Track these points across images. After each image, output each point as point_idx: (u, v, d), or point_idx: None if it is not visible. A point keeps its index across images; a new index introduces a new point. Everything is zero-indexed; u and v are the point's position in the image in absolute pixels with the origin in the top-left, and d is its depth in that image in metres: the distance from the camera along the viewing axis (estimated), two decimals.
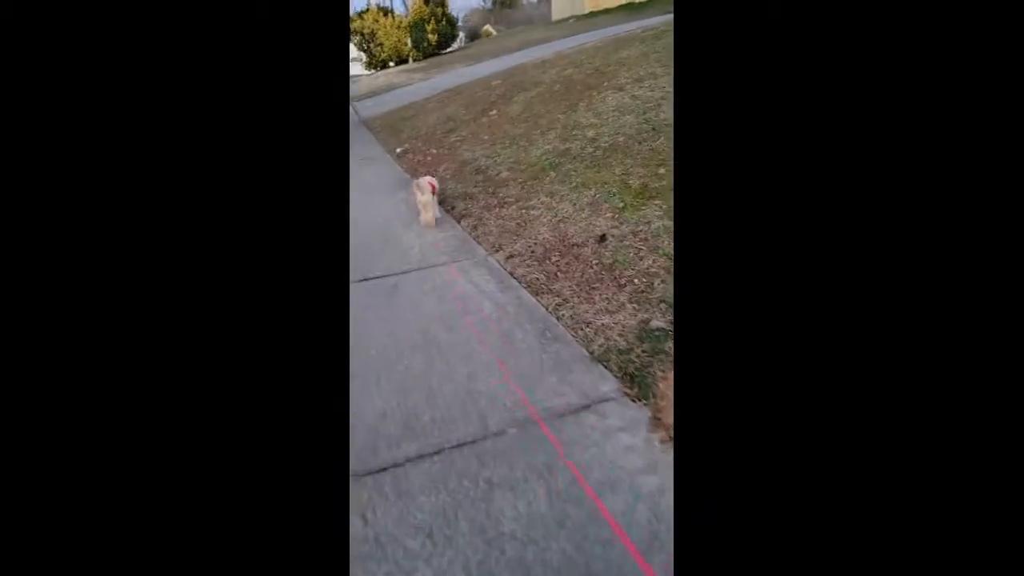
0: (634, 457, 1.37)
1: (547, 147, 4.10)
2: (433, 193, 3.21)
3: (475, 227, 3.18)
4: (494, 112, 5.88)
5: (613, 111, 4.32)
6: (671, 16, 9.61)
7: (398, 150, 5.64)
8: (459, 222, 3.33)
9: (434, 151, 5.19)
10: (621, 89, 4.81)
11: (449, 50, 17.12)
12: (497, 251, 2.79)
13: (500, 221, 3.16)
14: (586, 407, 1.57)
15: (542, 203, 3.22)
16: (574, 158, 3.70)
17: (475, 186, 3.84)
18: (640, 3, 16.55)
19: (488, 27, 26.87)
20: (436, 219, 3.28)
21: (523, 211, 3.20)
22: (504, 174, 3.89)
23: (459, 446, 1.46)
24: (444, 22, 16.82)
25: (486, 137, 5.03)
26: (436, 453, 1.45)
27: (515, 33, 20.33)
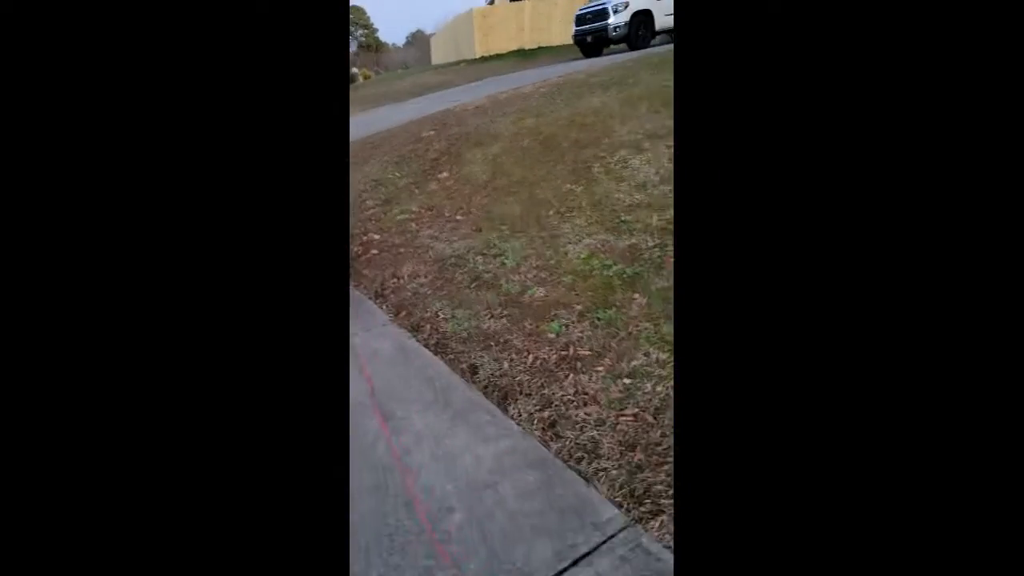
0: None
1: (589, 240, 2.67)
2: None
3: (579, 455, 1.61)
4: (444, 174, 4.34)
5: (657, 181, 3.04)
6: (583, 63, 8.97)
7: None
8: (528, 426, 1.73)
9: (377, 236, 3.50)
10: (640, 149, 3.58)
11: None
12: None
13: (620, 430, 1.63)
14: None
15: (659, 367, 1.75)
16: (657, 267, 2.30)
17: (492, 316, 2.26)
18: (531, 50, 16.20)
19: (364, 70, 25.28)
20: None
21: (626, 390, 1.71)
22: (540, 292, 2.36)
23: None
24: None
25: (455, 215, 3.47)
26: None
27: (399, 77, 18.99)
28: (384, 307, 2.58)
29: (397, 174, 4.69)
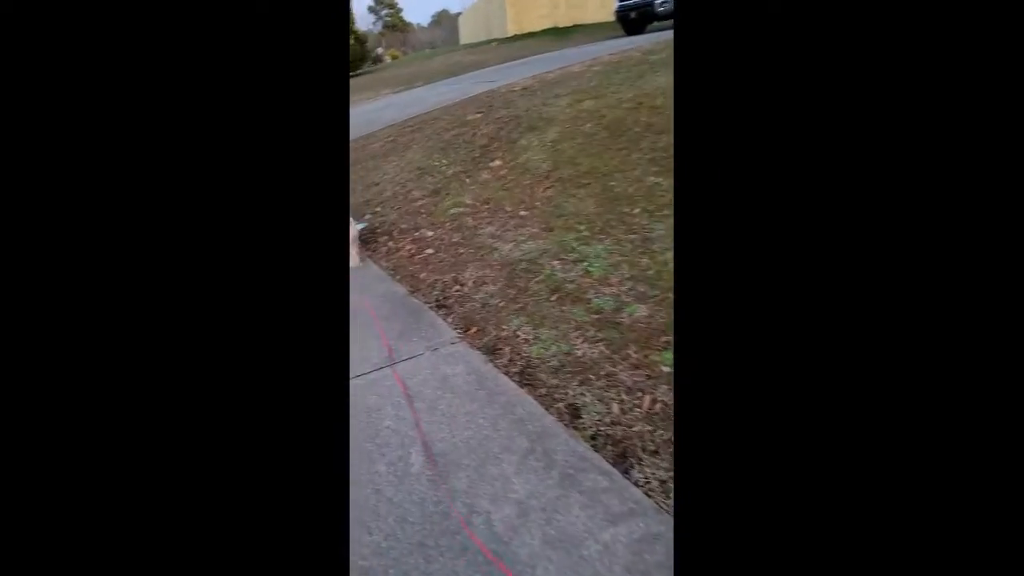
0: None
1: None
2: None
3: None
4: (497, 162, 3.95)
5: None
6: (625, 40, 8.40)
7: (359, 226, 3.50)
8: None
9: (430, 233, 3.14)
10: None
11: (360, 72, 14.83)
12: None
13: None
14: None
15: None
16: None
17: (585, 339, 1.88)
18: (565, 28, 15.52)
19: (392, 50, 24.76)
20: None
21: None
22: (642, 311, 1.97)
23: None
24: (353, 40, 14.55)
25: (518, 211, 3.08)
26: None
27: (427, 57, 18.51)
28: (449, 320, 2.23)
29: (444, 161, 4.31)
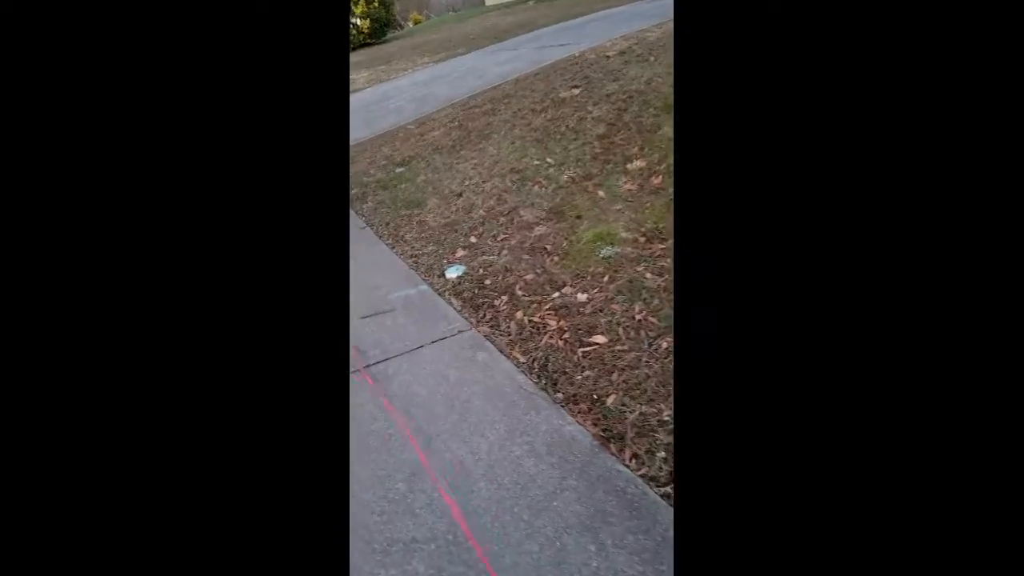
0: None
1: None
2: None
3: None
4: (639, 163, 2.71)
5: None
6: None
7: (454, 272, 2.32)
8: None
9: (582, 296, 1.94)
10: None
11: (387, 39, 13.40)
12: None
13: None
14: None
15: None
16: None
17: None
18: None
19: (416, 14, 23.16)
20: None
21: None
22: None
23: None
24: (376, 3, 13.07)
25: None
26: None
27: (457, 20, 16.88)
28: None
29: (548, 159, 3.09)
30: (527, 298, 2.03)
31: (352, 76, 8.43)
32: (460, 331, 1.96)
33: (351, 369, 1.81)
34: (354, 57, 11.68)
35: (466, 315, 2.04)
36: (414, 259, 2.53)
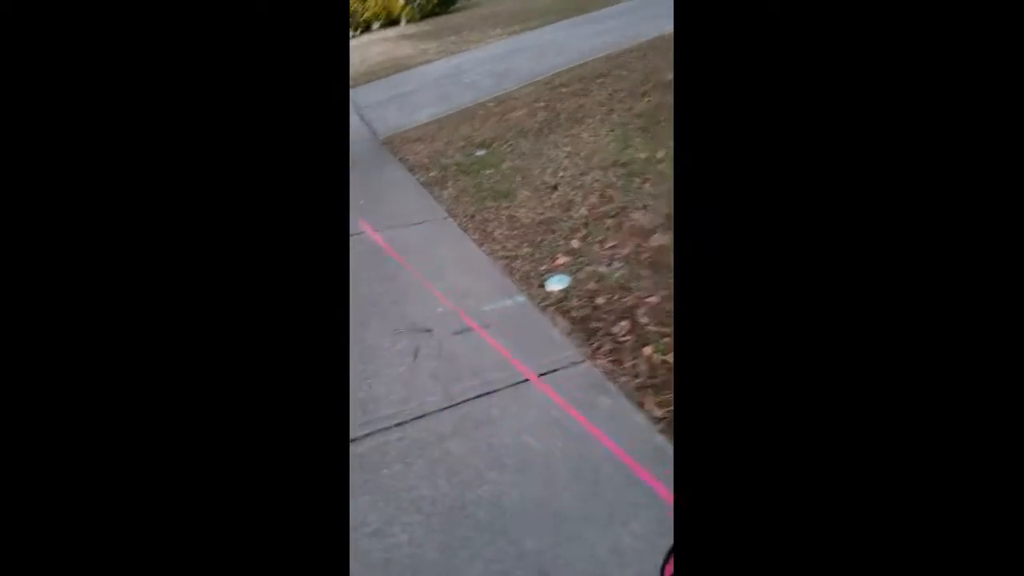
0: None
1: None
2: None
3: None
4: None
5: None
6: None
7: (558, 284, 1.98)
8: None
9: None
10: None
11: (454, 9, 12.97)
12: None
13: None
14: None
15: None
16: None
17: None
18: None
19: None
20: None
21: None
22: None
23: None
24: None
25: None
26: None
27: None
28: None
29: (659, 152, 2.67)
30: (654, 328, 1.67)
31: (421, 47, 8.11)
32: (573, 363, 1.62)
33: (445, 404, 1.51)
34: (421, 27, 11.35)
35: (577, 341, 1.70)
36: (507, 262, 2.20)
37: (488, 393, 1.53)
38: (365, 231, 2.60)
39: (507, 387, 1.55)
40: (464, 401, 1.51)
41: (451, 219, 2.67)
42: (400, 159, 3.59)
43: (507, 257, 2.23)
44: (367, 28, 13.21)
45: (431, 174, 3.20)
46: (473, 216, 2.62)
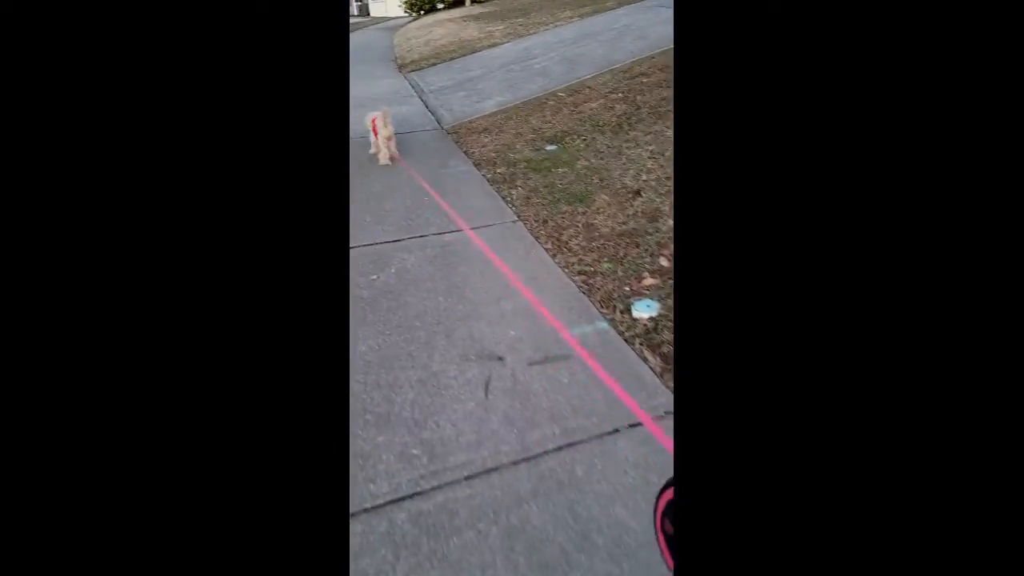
0: None
1: None
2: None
3: None
4: None
5: None
6: None
7: (646, 310, 1.74)
8: None
9: None
10: None
11: None
12: None
13: None
14: None
15: None
16: None
17: None
18: None
19: None
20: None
21: None
22: None
23: None
24: None
25: None
26: None
27: None
28: None
29: None
30: None
31: (488, 28, 7.86)
32: (667, 412, 1.40)
33: (522, 456, 1.32)
34: (486, 8, 11.07)
35: (669, 383, 1.48)
36: (584, 279, 1.98)
37: (570, 445, 1.33)
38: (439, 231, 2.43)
39: (592, 439, 1.34)
40: (543, 453, 1.32)
41: (520, 223, 2.47)
42: (466, 152, 3.40)
43: (584, 272, 2.01)
44: (432, 8, 13.05)
45: (498, 170, 3.00)
46: (545, 221, 2.41)
